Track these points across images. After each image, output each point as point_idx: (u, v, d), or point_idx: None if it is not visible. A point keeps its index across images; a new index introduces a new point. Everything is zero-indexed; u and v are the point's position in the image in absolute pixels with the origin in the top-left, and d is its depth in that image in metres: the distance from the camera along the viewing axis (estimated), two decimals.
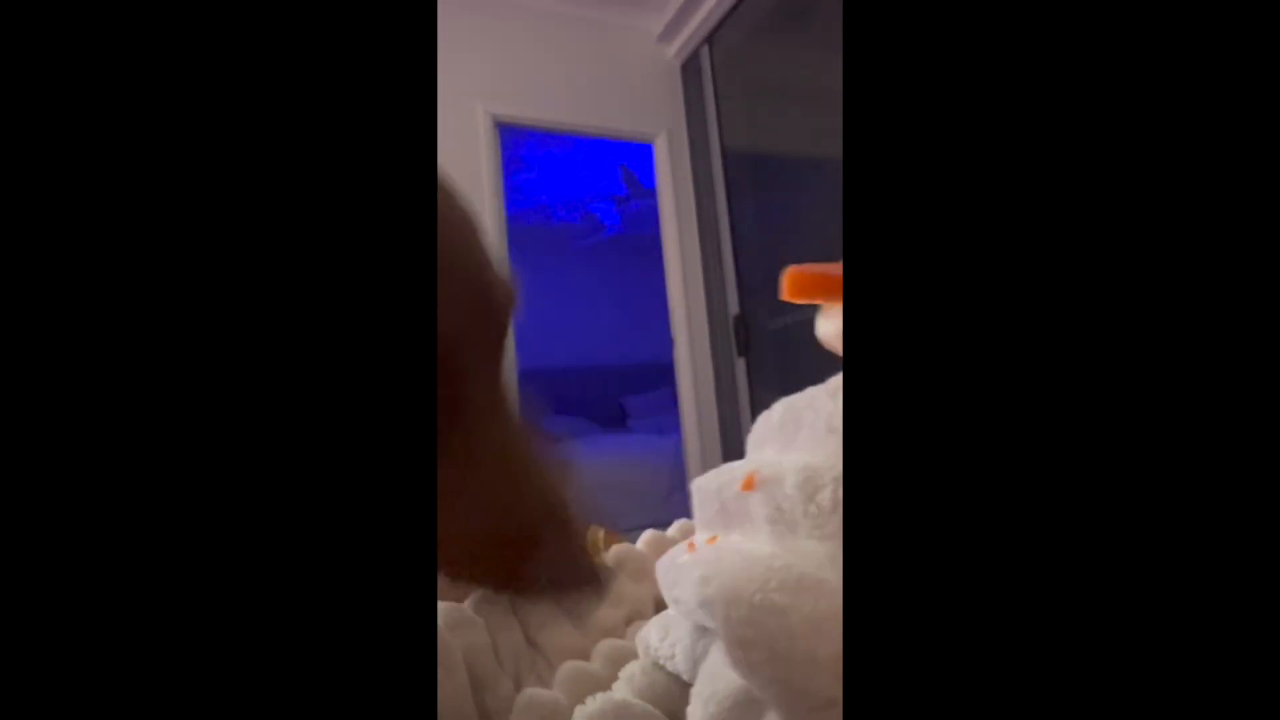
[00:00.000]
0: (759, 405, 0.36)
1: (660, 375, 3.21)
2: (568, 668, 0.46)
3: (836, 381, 0.31)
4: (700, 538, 0.32)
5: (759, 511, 0.28)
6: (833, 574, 0.25)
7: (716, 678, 0.26)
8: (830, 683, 0.21)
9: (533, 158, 3.13)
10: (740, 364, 2.19)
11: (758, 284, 2.14)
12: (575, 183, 3.44)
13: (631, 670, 0.37)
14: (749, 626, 0.23)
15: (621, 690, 0.38)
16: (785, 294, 0.30)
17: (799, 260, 0.35)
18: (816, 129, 2.13)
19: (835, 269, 0.30)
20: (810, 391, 0.31)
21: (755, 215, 2.25)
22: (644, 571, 0.55)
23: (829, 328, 0.33)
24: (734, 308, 2.23)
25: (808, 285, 0.30)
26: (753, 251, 2.25)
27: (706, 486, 0.32)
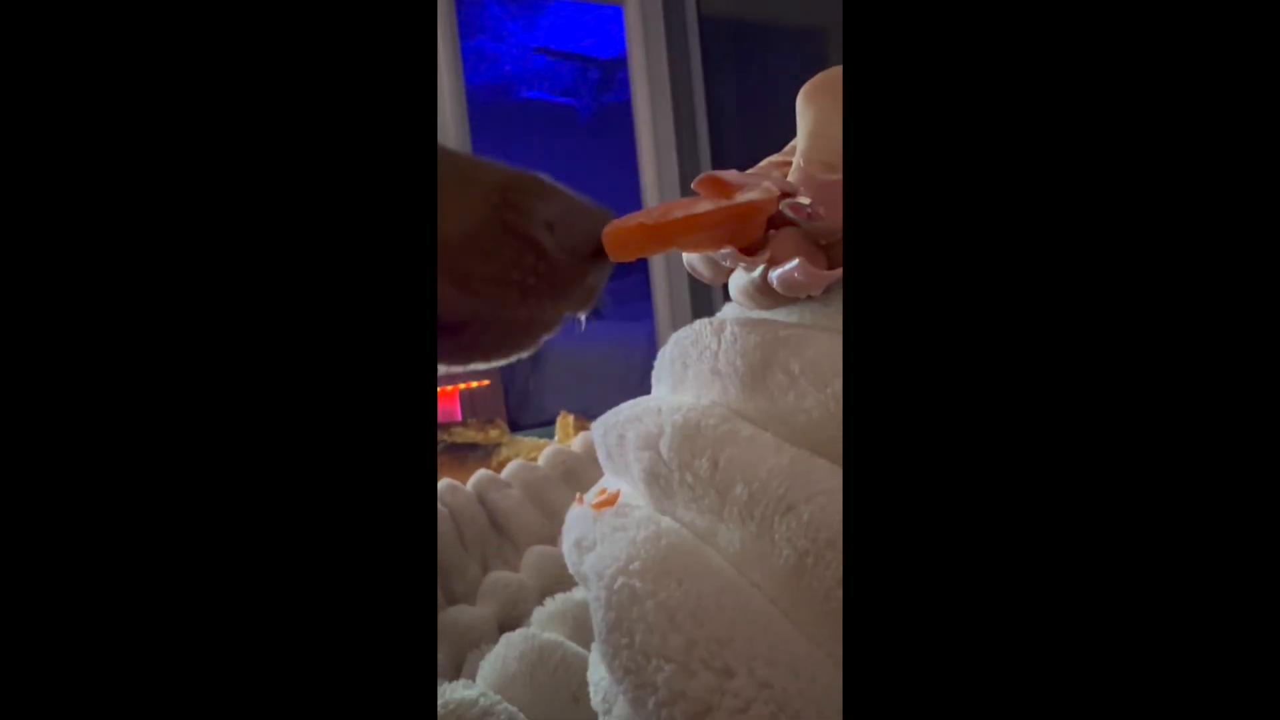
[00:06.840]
0: None
1: (633, 261, 3.18)
2: (534, 552, 0.47)
3: (724, 314, 0.29)
4: (592, 491, 0.31)
5: (635, 467, 0.27)
6: (710, 551, 0.23)
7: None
8: (678, 677, 0.19)
9: (501, 27, 2.95)
10: None
11: (735, 166, 2.07)
12: (544, 54, 3.26)
13: None
14: (608, 610, 0.21)
15: (583, 592, 0.39)
16: (611, 255, 0.25)
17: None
18: None
19: (654, 213, 0.26)
20: (698, 326, 0.29)
21: (735, 90, 2.14)
22: None
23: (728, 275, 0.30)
24: None
25: (630, 240, 0.25)
26: (731, 130, 2.16)
27: (596, 429, 0.31)
